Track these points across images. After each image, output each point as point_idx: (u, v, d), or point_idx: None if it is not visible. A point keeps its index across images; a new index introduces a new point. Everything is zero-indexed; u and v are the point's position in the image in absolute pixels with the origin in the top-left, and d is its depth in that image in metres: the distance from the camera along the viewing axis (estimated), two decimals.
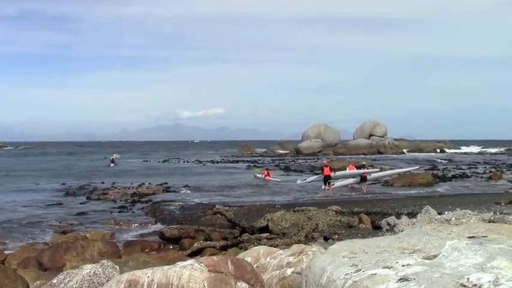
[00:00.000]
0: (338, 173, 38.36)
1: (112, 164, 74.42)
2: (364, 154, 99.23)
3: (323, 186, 35.82)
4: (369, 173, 38.46)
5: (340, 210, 20.73)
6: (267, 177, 45.30)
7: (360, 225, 18.42)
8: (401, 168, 50.14)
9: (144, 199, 32.57)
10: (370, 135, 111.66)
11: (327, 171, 35.64)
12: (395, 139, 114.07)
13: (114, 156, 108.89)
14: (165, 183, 43.35)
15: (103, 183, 44.92)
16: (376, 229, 16.61)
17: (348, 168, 38.65)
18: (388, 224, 13.12)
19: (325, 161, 41.49)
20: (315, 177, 38.90)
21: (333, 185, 36.88)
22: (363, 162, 39.74)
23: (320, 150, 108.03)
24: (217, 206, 25.44)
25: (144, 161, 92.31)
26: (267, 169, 50.27)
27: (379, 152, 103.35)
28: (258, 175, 47.47)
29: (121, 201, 32.53)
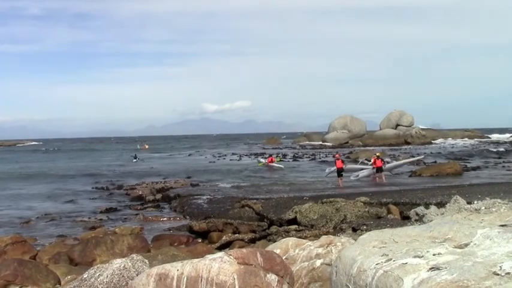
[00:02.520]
0: (349, 166, 39.97)
1: (135, 160, 74.95)
2: (391, 144, 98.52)
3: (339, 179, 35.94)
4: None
5: (369, 201, 20.64)
6: (270, 163, 51.83)
7: (389, 215, 18.34)
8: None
9: (172, 193, 32.71)
10: (397, 125, 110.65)
11: (339, 164, 35.70)
12: (422, 129, 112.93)
13: (145, 147, 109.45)
14: (189, 177, 43.58)
15: (130, 178, 45.25)
16: (405, 219, 16.54)
17: (372, 160, 38.41)
18: (417, 214, 13.04)
19: (337, 154, 41.70)
20: (365, 172, 38.57)
21: (357, 176, 36.99)
22: (377, 154, 39.47)
23: (347, 141, 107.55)
24: (245, 199, 25.43)
25: (169, 155, 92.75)
26: (270, 155, 59.12)
27: (406, 142, 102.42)
28: (261, 160, 55.21)
29: (149, 195, 32.73)
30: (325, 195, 24.07)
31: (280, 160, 60.68)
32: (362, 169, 39.41)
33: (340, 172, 35.26)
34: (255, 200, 24.62)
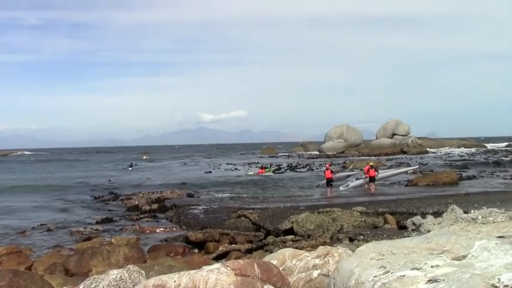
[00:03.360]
0: (337, 175, 40.29)
1: (130, 168, 74.95)
2: (387, 154, 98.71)
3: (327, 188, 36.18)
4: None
5: (365, 210, 20.61)
6: (260, 173, 54.85)
7: (385, 225, 18.29)
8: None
9: (168, 204, 32.63)
10: (393, 134, 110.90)
11: (328, 174, 36.03)
12: (419, 138, 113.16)
13: (145, 157, 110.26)
14: (185, 184, 43.53)
15: (126, 188, 45.16)
16: (402, 229, 16.48)
17: (364, 170, 38.46)
18: (414, 223, 13.00)
19: (327, 164, 42.26)
20: (356, 182, 38.69)
21: (347, 186, 37.18)
22: (371, 163, 39.66)
23: (343, 150, 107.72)
24: (241, 209, 25.39)
25: (165, 165, 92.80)
26: (261, 167, 61.81)
27: (403, 152, 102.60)
28: (250, 172, 58.14)
29: (145, 206, 32.65)
30: (321, 205, 24.04)
31: (274, 171, 61.38)
32: (348, 176, 39.85)
33: (329, 182, 35.62)
34: (251, 210, 24.58)
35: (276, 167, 70.05)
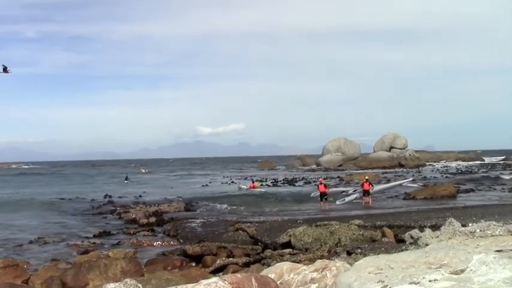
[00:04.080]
0: (331, 190, 40.74)
1: (126, 181, 74.97)
2: (384, 167, 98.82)
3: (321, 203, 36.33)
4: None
5: (363, 224, 20.60)
6: (252, 188, 53.46)
7: (383, 238, 18.26)
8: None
9: (165, 217, 32.56)
10: (391, 147, 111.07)
11: (322, 188, 36.27)
12: (416, 151, 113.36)
13: (142, 171, 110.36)
14: (178, 197, 43.52)
15: (123, 201, 45.00)
16: (400, 242, 16.45)
17: (363, 184, 38.44)
18: (412, 237, 12.98)
19: (320, 179, 42.83)
20: (352, 196, 38.80)
21: (343, 201, 37.26)
22: (366, 177, 39.77)
23: (341, 163, 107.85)
24: (238, 223, 25.35)
25: (162, 178, 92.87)
26: (253, 181, 60.51)
27: (400, 165, 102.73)
28: (242, 186, 56.72)
29: (143, 219, 32.58)
30: (319, 218, 24.02)
31: (268, 184, 61.60)
32: (343, 191, 40.13)
33: (323, 196, 35.81)
34: (249, 224, 24.54)
35: (272, 181, 70.12)
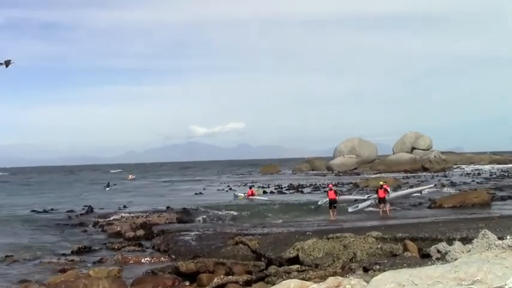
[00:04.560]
0: (343, 197, 41.22)
1: (107, 189, 75.24)
2: (406, 171, 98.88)
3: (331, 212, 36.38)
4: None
5: (381, 236, 20.55)
6: (251, 196, 52.83)
7: (405, 253, 18.22)
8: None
9: (155, 229, 32.53)
10: (413, 148, 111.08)
11: (331, 194, 36.32)
12: (442, 152, 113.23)
13: (130, 177, 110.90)
14: (168, 207, 43.48)
15: (106, 212, 44.88)
16: (424, 257, 16.44)
17: (378, 190, 38.37)
18: (439, 251, 12.96)
19: (330, 184, 42.89)
20: (365, 203, 38.92)
21: (356, 207, 37.43)
22: (381, 182, 39.68)
23: (355, 167, 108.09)
24: (239, 235, 25.31)
25: (150, 184, 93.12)
26: (251, 187, 59.16)
27: (424, 168, 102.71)
28: (239, 194, 56.65)
29: (129, 232, 32.57)
30: (330, 230, 24.00)
31: (269, 192, 61.69)
32: (356, 199, 40.18)
33: (332, 203, 35.88)
34: (250, 236, 24.52)
35: (276, 187, 70.16)
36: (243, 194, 55.32)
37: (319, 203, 41.53)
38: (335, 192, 37.55)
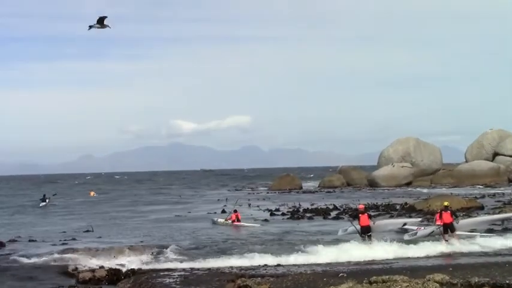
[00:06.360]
0: (380, 222, 40.93)
1: (43, 203, 75.62)
2: (486, 185, 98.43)
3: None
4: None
5: (449, 280, 20.64)
6: (235, 222, 54.46)
7: None
8: None
9: (122, 268, 32.51)
10: (495, 154, 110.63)
11: (364, 219, 36.40)
12: None
13: (92, 194, 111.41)
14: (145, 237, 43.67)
15: (46, 241, 44.71)
16: None
17: (442, 213, 38.22)
18: None
19: (360, 206, 42.70)
20: (427, 230, 38.78)
21: (415, 234, 37.45)
22: (445, 203, 39.40)
23: (410, 180, 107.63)
24: (242, 277, 25.37)
25: (112, 202, 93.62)
26: (235, 211, 57.87)
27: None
28: (219, 220, 57.97)
29: (83, 272, 32.46)
30: (373, 270, 24.12)
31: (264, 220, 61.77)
32: (405, 223, 40.15)
33: (365, 231, 35.97)
34: (259, 278, 24.59)
35: (292, 208, 69.78)
36: (221, 220, 55.41)
37: (339, 233, 41.49)
38: (369, 215, 37.60)
